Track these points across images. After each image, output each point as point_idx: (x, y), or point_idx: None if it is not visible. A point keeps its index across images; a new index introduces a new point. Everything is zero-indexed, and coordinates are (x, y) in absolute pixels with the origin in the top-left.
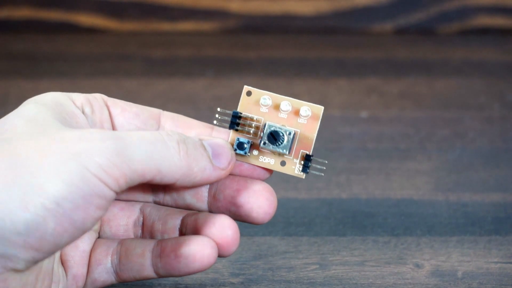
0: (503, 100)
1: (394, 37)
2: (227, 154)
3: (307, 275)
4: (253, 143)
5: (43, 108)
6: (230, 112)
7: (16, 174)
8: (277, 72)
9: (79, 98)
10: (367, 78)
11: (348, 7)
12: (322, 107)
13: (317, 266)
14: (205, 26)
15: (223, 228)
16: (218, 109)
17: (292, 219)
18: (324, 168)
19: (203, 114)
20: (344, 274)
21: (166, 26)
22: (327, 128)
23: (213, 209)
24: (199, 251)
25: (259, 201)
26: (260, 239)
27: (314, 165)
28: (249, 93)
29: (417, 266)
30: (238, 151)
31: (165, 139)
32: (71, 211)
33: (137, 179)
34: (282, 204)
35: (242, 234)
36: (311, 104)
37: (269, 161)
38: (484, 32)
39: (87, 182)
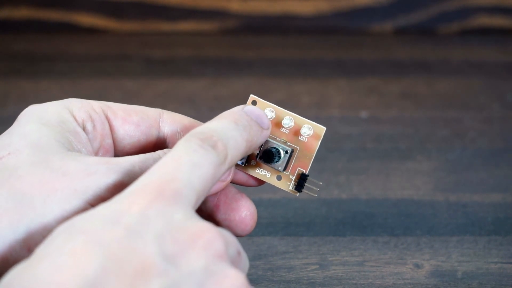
0: (503, 100)
1: (394, 37)
2: None
3: (307, 275)
4: (251, 153)
5: (46, 130)
6: None
7: (22, 213)
8: (277, 72)
9: (80, 113)
10: (367, 78)
11: (348, 7)
12: (325, 128)
13: (317, 266)
14: (205, 26)
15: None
16: None
17: (292, 219)
18: (318, 189)
19: (203, 114)
20: (343, 274)
21: (166, 26)
22: (327, 128)
23: None
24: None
25: (236, 220)
26: (260, 239)
27: (308, 185)
28: (254, 103)
29: (417, 266)
30: None
31: None
32: None
33: None
34: (282, 204)
35: None
36: (314, 123)
37: (265, 173)
38: (484, 32)
39: None
